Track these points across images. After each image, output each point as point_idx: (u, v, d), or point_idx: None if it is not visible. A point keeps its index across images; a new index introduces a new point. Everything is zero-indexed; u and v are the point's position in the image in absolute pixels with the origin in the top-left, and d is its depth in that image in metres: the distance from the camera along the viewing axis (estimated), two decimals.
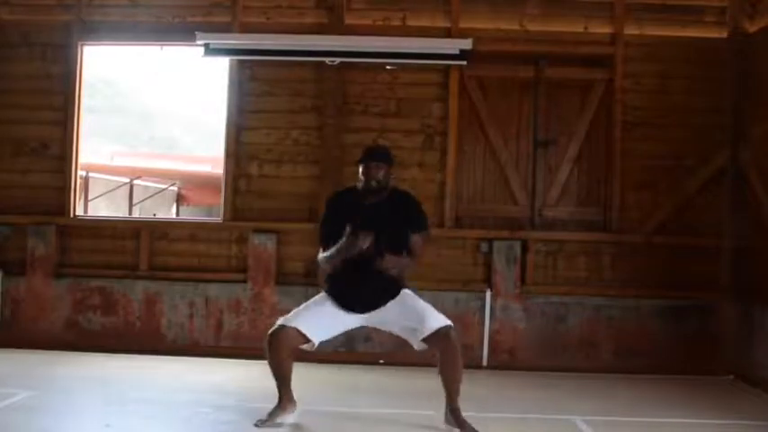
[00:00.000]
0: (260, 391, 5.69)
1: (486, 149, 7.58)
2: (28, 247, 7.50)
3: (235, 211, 7.61)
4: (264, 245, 7.46)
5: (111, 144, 23.51)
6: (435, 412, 5.03)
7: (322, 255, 4.97)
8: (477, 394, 5.05)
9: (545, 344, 7.35)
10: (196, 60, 8.03)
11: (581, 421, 5.33)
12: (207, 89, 23.43)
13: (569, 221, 7.55)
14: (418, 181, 7.48)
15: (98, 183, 16.80)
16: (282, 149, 7.61)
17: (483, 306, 7.35)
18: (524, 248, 7.41)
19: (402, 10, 7.59)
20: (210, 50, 7.45)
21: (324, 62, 7.46)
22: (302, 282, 7.42)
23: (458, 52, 7.35)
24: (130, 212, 17.19)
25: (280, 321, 4.85)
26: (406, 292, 4.95)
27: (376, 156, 4.98)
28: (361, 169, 4.95)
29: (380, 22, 7.59)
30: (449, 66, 7.47)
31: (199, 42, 7.40)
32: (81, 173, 9.49)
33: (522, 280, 7.39)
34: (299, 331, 4.78)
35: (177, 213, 18.62)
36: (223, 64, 7.81)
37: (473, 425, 4.84)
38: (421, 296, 5.02)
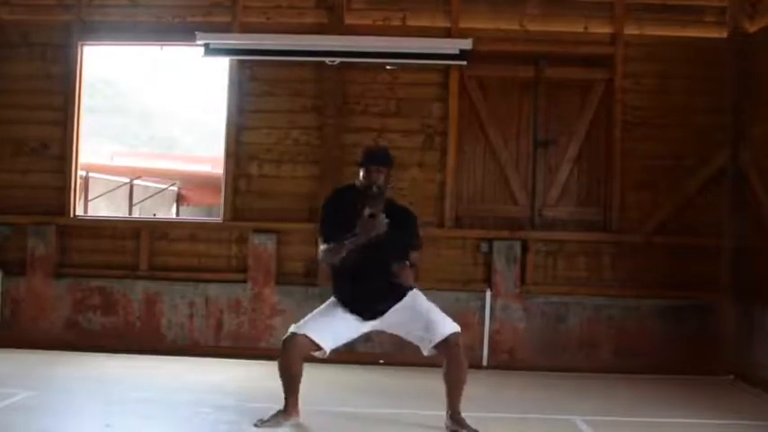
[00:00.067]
0: (260, 391, 5.71)
1: (486, 149, 7.58)
2: (28, 247, 7.50)
3: (235, 211, 7.61)
4: (264, 245, 7.46)
5: (111, 144, 23.52)
6: (435, 412, 5.03)
7: (326, 247, 4.87)
8: (477, 394, 5.05)
9: (545, 344, 7.35)
10: (196, 60, 8.04)
11: (581, 421, 5.33)
12: (207, 89, 23.46)
13: (569, 221, 7.55)
14: (418, 181, 7.49)
15: (98, 183, 16.80)
16: (282, 149, 7.61)
17: (483, 306, 7.35)
18: (524, 248, 7.41)
19: (402, 10, 7.59)
20: (210, 50, 7.45)
21: (324, 62, 7.46)
22: (302, 282, 7.43)
23: (458, 52, 7.35)
24: (130, 212, 17.19)
25: (291, 329, 4.84)
26: (413, 293, 4.94)
27: (377, 159, 4.95)
28: (361, 173, 4.93)
29: (380, 22, 7.59)
30: (449, 66, 7.47)
31: (199, 42, 7.40)
32: (81, 173, 9.50)
33: (522, 280, 7.40)
34: (310, 339, 4.78)
35: (177, 213, 18.62)
36: (223, 64, 7.81)
37: (473, 425, 4.84)
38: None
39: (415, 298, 4.94)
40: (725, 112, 7.37)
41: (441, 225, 7.46)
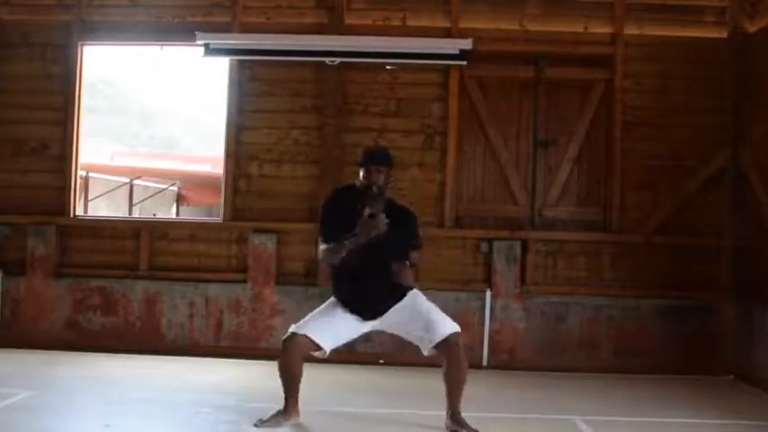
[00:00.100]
0: (260, 391, 5.71)
1: (486, 149, 7.58)
2: (28, 247, 7.50)
3: (235, 211, 7.61)
4: (264, 245, 7.46)
5: (111, 144, 23.52)
6: (435, 412, 5.03)
7: (326, 246, 4.88)
8: (477, 394, 5.05)
9: (545, 344, 7.35)
10: (196, 60, 8.03)
11: (581, 421, 5.33)
12: (207, 89, 23.46)
13: (569, 221, 7.55)
14: (418, 181, 7.49)
15: (98, 183, 16.80)
16: (282, 149, 7.61)
17: (483, 306, 7.35)
18: (524, 248, 7.41)
19: (402, 10, 7.59)
20: (210, 50, 7.45)
21: (324, 62, 7.46)
22: (302, 282, 7.43)
23: (458, 52, 7.35)
24: (130, 212, 17.19)
25: (291, 329, 4.84)
26: (413, 293, 4.94)
27: (377, 159, 4.95)
28: (362, 173, 4.93)
29: (380, 22, 7.59)
30: (449, 66, 7.47)
31: (199, 42, 7.40)
32: (81, 173, 9.49)
33: (522, 280, 7.40)
34: (310, 339, 4.78)
35: (177, 213, 18.62)
36: (223, 64, 7.81)
37: (473, 425, 4.84)
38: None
39: (416, 298, 4.94)
40: (725, 112, 7.37)
41: (441, 225, 7.46)
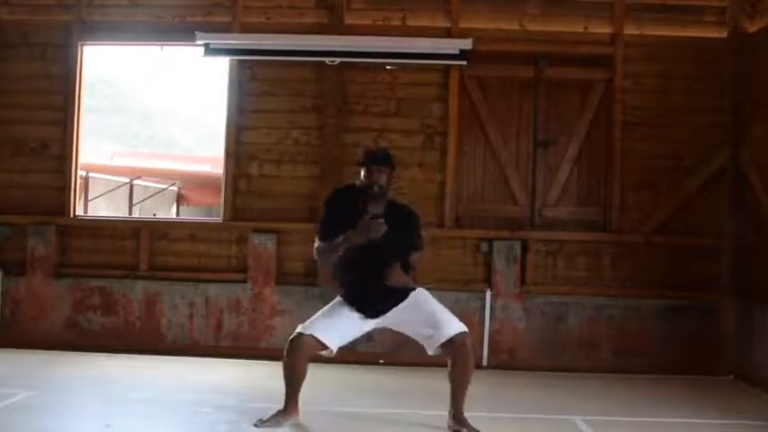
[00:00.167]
0: (260, 391, 5.71)
1: (486, 149, 7.58)
2: (28, 247, 7.50)
3: (235, 211, 7.61)
4: (264, 245, 7.46)
5: (111, 144, 23.53)
6: (437, 412, 5.03)
7: (321, 244, 4.89)
8: (477, 394, 5.04)
9: (545, 344, 7.35)
10: (196, 60, 8.03)
11: (581, 421, 5.33)
12: (207, 89, 23.47)
13: (569, 221, 7.55)
14: (418, 181, 7.49)
15: (98, 183, 16.81)
16: (282, 149, 7.61)
17: (483, 306, 7.35)
18: (524, 248, 7.41)
19: (402, 10, 7.59)
20: (210, 50, 7.45)
21: (324, 62, 7.46)
22: (302, 282, 7.42)
23: (458, 52, 7.35)
24: (130, 212, 17.19)
25: (298, 329, 4.84)
26: (420, 291, 4.95)
27: (379, 159, 4.94)
28: (363, 173, 4.93)
29: (380, 22, 7.59)
30: (449, 66, 7.47)
31: (199, 42, 7.40)
32: (81, 173, 9.49)
33: (522, 280, 7.40)
34: (316, 339, 4.78)
35: (177, 213, 18.62)
36: (223, 64, 7.80)
37: (473, 425, 4.85)
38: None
39: (422, 297, 4.95)
40: (725, 112, 7.37)
41: (441, 225, 7.46)
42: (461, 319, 4.93)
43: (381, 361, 7.22)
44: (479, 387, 5.11)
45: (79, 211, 8.30)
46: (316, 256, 5.06)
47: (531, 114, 7.54)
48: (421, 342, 4.96)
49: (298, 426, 4.89)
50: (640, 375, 7.03)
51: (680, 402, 6.10)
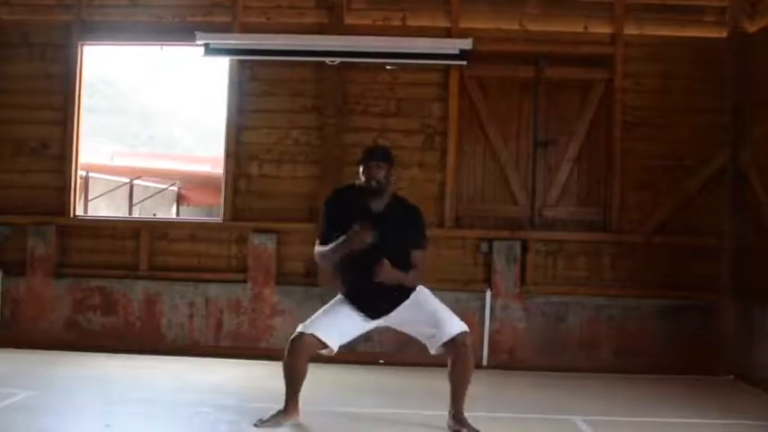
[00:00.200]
0: (260, 391, 5.71)
1: (486, 149, 7.58)
2: (28, 247, 7.50)
3: (235, 211, 7.61)
4: (264, 245, 7.46)
5: (111, 144, 23.54)
6: (437, 412, 5.03)
7: (319, 249, 4.93)
8: (477, 394, 5.04)
9: (545, 344, 7.35)
10: (196, 60, 8.03)
11: (581, 421, 5.33)
12: (207, 89, 23.48)
13: (569, 221, 7.55)
14: (418, 181, 7.49)
15: (98, 183, 16.81)
16: (282, 149, 7.61)
17: (483, 306, 7.35)
18: (524, 248, 7.41)
19: (402, 10, 7.59)
20: (210, 50, 7.45)
21: (324, 62, 7.46)
22: (302, 282, 7.43)
23: (458, 52, 7.35)
24: (130, 212, 17.20)
25: (299, 328, 4.84)
26: (420, 291, 4.95)
27: (377, 155, 4.96)
28: (361, 169, 4.93)
29: (380, 22, 7.59)
30: (449, 66, 7.47)
31: (199, 42, 7.40)
32: (81, 173, 9.49)
33: (522, 280, 7.39)
34: (317, 338, 4.79)
35: (177, 213, 18.63)
36: (223, 64, 7.80)
37: (473, 425, 4.85)
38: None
39: (423, 296, 4.95)
40: (725, 112, 7.37)
41: (441, 225, 7.45)
42: (461, 319, 4.92)
43: (381, 361, 7.22)
44: (479, 387, 5.11)
45: (79, 211, 8.30)
46: (316, 260, 5.08)
47: (531, 114, 7.54)
48: (423, 341, 4.96)
49: (298, 426, 4.89)
50: (640, 375, 7.03)
51: (680, 402, 6.10)
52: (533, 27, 7.55)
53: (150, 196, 18.79)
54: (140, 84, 30.66)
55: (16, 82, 7.68)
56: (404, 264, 4.83)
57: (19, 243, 7.53)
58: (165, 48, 8.42)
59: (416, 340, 5.01)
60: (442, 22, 7.57)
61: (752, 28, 7.21)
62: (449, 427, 4.91)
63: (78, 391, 5.87)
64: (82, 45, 7.70)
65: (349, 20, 7.56)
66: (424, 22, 7.59)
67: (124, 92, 30.32)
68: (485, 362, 7.28)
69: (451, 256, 7.45)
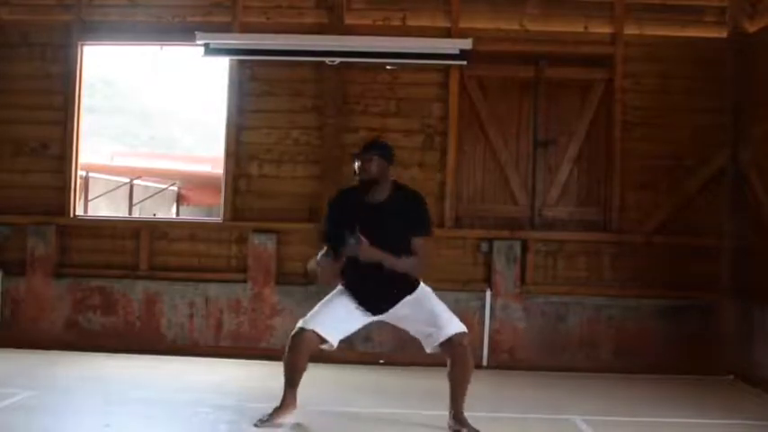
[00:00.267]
0: (260, 391, 5.71)
1: (486, 149, 7.58)
2: (28, 247, 7.50)
3: (235, 211, 7.61)
4: (264, 245, 7.46)
5: (111, 144, 23.55)
6: (437, 412, 5.03)
7: (320, 258, 4.91)
8: (477, 394, 5.04)
9: (545, 344, 7.35)
10: (196, 60, 8.03)
11: (581, 421, 5.33)
12: (207, 89, 23.48)
13: (569, 221, 7.55)
14: (418, 181, 7.44)
15: (98, 183, 16.81)
16: (282, 149, 7.61)
17: (483, 306, 7.35)
18: (524, 248, 7.41)
19: (402, 10, 7.59)
20: (210, 50, 7.45)
21: (324, 62, 7.46)
22: (302, 282, 7.40)
23: (458, 52, 7.35)
24: (130, 212, 17.19)
25: (299, 324, 4.86)
26: (421, 289, 4.95)
27: (364, 149, 4.97)
28: (355, 167, 4.95)
29: (380, 22, 7.59)
30: (449, 66, 7.47)
31: (199, 42, 7.40)
32: (81, 173, 9.49)
33: (522, 280, 7.39)
34: (317, 334, 4.80)
35: (177, 213, 18.64)
36: (223, 64, 7.80)
37: (473, 425, 4.85)
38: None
39: (423, 295, 4.96)
40: (725, 112, 7.37)
41: (441, 225, 7.44)
42: (461, 319, 4.93)
43: (381, 361, 7.22)
44: (479, 387, 5.11)
45: (79, 211, 8.30)
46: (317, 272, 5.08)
47: (531, 114, 7.54)
48: (420, 339, 4.96)
49: (298, 426, 4.89)
50: (640, 375, 7.03)
51: (680, 402, 6.10)
52: (533, 27, 7.55)
53: (150, 196, 18.79)
54: (140, 84, 30.67)
55: (16, 82, 7.67)
56: (405, 252, 4.82)
57: (19, 243, 7.53)
58: (164, 48, 8.43)
59: (415, 339, 5.02)
60: (442, 22, 7.57)
61: (752, 28, 7.21)
62: (449, 426, 4.91)
63: (78, 390, 5.87)
64: (82, 45, 7.70)
65: (349, 20, 7.56)
66: (424, 22, 7.59)
67: (124, 92, 30.32)
68: (485, 362, 7.28)
69: (451, 255, 7.45)
